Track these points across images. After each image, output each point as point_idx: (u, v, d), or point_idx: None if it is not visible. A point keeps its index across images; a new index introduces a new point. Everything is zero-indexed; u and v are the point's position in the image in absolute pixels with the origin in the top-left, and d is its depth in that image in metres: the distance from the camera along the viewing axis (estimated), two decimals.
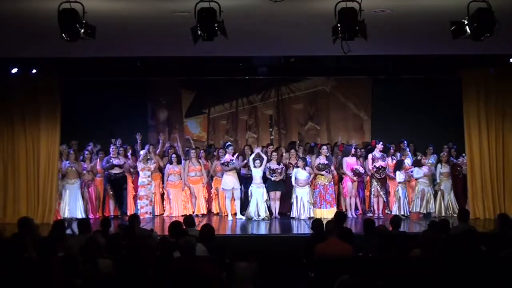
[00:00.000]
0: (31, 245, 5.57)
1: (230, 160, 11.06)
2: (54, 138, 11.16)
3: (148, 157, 11.45)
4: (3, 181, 11.17)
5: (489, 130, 11.28)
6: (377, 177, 11.17)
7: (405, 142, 11.97)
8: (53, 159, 11.14)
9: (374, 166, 11.08)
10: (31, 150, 11.19)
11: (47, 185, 11.11)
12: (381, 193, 11.25)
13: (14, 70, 10.84)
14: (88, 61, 10.51)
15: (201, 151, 12.04)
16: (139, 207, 11.37)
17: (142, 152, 11.52)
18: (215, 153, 12.12)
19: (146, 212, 11.34)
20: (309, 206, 10.97)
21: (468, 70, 11.21)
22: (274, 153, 11.28)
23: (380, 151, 11.30)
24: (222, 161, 11.22)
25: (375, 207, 11.29)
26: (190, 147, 12.14)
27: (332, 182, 11.10)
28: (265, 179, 11.13)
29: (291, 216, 11.04)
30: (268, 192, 11.11)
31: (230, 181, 11.12)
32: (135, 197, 11.62)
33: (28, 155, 11.19)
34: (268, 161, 11.15)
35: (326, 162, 11.04)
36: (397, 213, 10.93)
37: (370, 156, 11.28)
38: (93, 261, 5.08)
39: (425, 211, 11.26)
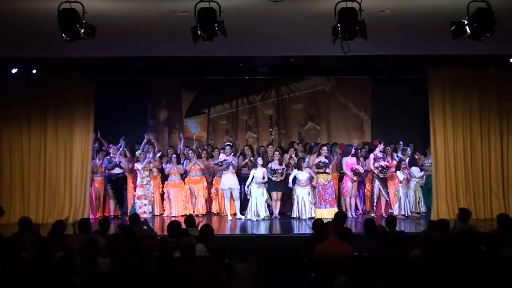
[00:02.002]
0: (30, 245, 5.57)
1: (224, 160, 11.07)
2: (87, 137, 11.24)
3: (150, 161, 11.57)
4: (35, 180, 11.25)
5: (455, 131, 11.24)
6: (381, 176, 11.20)
7: (401, 142, 11.98)
8: (86, 158, 11.21)
9: (380, 165, 11.10)
10: (63, 149, 11.26)
11: (81, 184, 11.17)
12: (383, 192, 11.28)
13: (14, 70, 10.84)
14: (88, 61, 10.51)
15: (203, 152, 12.06)
16: (137, 206, 11.40)
17: (142, 154, 11.59)
18: (213, 153, 12.14)
19: (145, 212, 11.37)
20: (310, 206, 10.97)
21: (434, 69, 11.22)
22: (276, 153, 11.27)
23: (381, 151, 11.33)
24: (215, 161, 11.26)
25: (378, 206, 11.32)
26: (189, 147, 12.15)
27: (331, 182, 11.11)
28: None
29: (291, 216, 11.05)
30: (269, 192, 11.14)
31: (226, 181, 11.13)
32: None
33: (59, 154, 11.25)
34: (270, 161, 11.18)
35: (326, 161, 11.07)
36: (398, 213, 10.98)
37: (372, 155, 11.30)
38: (93, 261, 5.08)
39: (420, 210, 11.34)
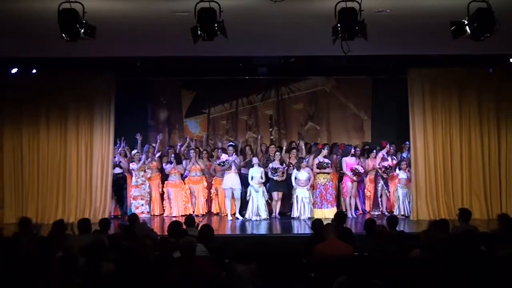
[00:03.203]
0: (28, 244, 5.58)
1: (226, 160, 11.08)
2: (108, 136, 11.30)
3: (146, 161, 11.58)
4: (53, 180, 11.28)
5: (435, 130, 11.23)
6: (384, 176, 11.24)
7: (407, 142, 11.98)
8: (107, 158, 11.26)
9: (383, 166, 11.16)
10: (84, 149, 11.31)
11: (101, 183, 11.21)
12: (385, 191, 11.32)
13: (14, 70, 10.85)
14: (88, 61, 10.50)
15: (204, 152, 12.07)
16: (133, 207, 11.39)
17: (140, 156, 11.57)
18: (213, 153, 12.14)
19: (142, 212, 11.37)
20: (309, 206, 10.98)
21: (413, 69, 11.24)
22: (277, 153, 11.29)
23: (387, 152, 11.34)
24: (218, 161, 11.26)
25: (380, 205, 11.35)
26: (189, 147, 12.16)
27: (331, 182, 11.14)
28: (267, 179, 11.17)
29: (291, 216, 11.05)
30: (270, 192, 11.15)
31: (228, 181, 11.13)
32: None
33: (80, 154, 11.30)
34: (271, 161, 11.19)
35: (328, 161, 11.11)
36: (398, 213, 10.99)
37: (380, 154, 11.33)
38: (97, 263, 5.03)
39: None
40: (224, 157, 11.19)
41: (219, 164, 11.26)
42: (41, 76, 11.17)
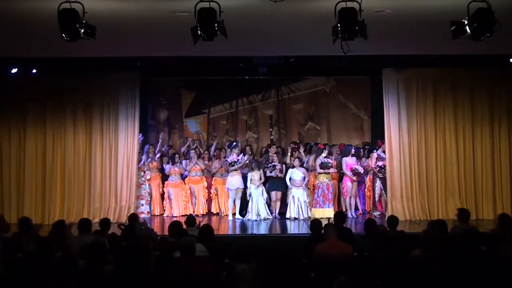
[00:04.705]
0: (28, 244, 5.58)
1: (237, 160, 11.09)
2: (133, 136, 11.33)
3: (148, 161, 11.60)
4: (79, 180, 11.31)
5: (410, 130, 11.24)
6: (380, 176, 11.21)
7: None
8: (132, 158, 11.27)
9: (377, 165, 11.15)
10: (108, 148, 11.34)
11: (127, 183, 11.24)
12: (383, 191, 11.31)
13: (14, 70, 10.84)
14: (88, 61, 10.50)
15: (204, 152, 12.06)
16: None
17: (141, 156, 11.57)
18: (214, 153, 12.13)
19: (142, 212, 11.36)
20: (306, 206, 10.98)
21: (388, 69, 11.28)
22: (275, 155, 11.31)
23: (383, 151, 11.33)
24: (229, 161, 11.24)
25: (379, 205, 11.36)
26: (190, 147, 12.16)
27: (331, 181, 11.15)
28: (266, 179, 11.18)
29: (286, 216, 11.05)
30: (269, 192, 11.14)
31: (235, 181, 11.13)
32: None
33: (105, 153, 11.33)
34: (271, 162, 11.20)
35: (331, 161, 11.13)
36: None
37: (375, 154, 11.32)
38: (98, 265, 5.01)
39: None
40: (234, 157, 11.18)
41: (230, 164, 11.23)
42: (63, 76, 11.25)
